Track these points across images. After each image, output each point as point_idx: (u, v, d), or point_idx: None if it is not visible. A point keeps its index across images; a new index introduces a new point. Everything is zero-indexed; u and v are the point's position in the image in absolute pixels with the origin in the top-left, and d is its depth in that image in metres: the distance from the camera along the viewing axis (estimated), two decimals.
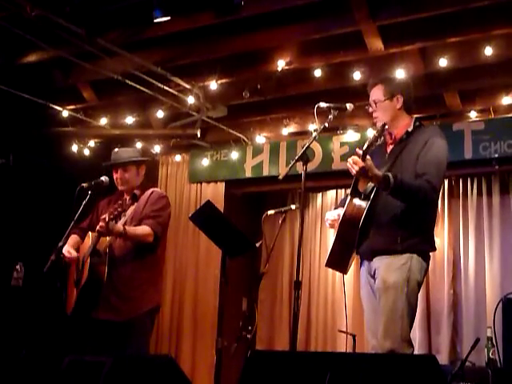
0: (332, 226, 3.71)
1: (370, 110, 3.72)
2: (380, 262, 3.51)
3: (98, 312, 4.29)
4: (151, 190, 4.57)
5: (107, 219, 4.08)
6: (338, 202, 7.09)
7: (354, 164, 3.33)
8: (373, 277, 3.56)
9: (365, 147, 3.35)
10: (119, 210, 4.11)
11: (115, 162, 4.56)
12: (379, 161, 3.55)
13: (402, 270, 3.43)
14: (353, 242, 3.50)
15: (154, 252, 4.40)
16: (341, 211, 3.66)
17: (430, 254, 3.61)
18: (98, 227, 4.15)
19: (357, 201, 3.51)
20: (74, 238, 4.58)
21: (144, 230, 4.31)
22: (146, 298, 4.36)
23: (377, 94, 3.70)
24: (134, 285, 4.32)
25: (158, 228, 4.35)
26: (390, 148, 3.68)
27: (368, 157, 3.35)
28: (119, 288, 4.30)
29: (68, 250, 4.43)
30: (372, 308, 3.58)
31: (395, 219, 3.47)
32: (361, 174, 3.36)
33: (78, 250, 4.55)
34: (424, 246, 3.55)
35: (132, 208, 4.44)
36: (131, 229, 4.29)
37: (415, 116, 3.77)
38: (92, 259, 4.32)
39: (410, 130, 3.65)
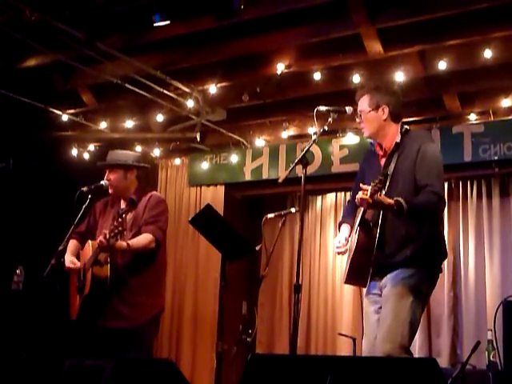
0: (342, 253, 3.74)
1: (357, 120, 3.74)
2: (389, 273, 3.53)
3: (106, 321, 4.28)
4: (149, 194, 4.53)
5: (108, 236, 4.04)
6: (338, 205, 7.21)
7: (363, 201, 3.32)
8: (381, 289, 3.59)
9: (369, 194, 3.30)
10: (120, 228, 4.05)
11: (103, 163, 4.56)
12: (375, 176, 3.51)
13: (410, 280, 3.45)
14: (368, 267, 3.53)
15: (155, 257, 4.40)
16: (346, 231, 3.71)
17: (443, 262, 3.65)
18: (98, 242, 4.12)
19: (367, 230, 3.54)
20: (73, 244, 4.57)
21: (146, 238, 4.29)
22: (151, 302, 4.37)
23: (362, 104, 3.69)
24: (139, 291, 4.32)
25: (158, 233, 4.34)
26: (383, 161, 3.67)
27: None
28: (124, 296, 4.29)
29: (71, 260, 4.43)
30: (375, 312, 3.59)
31: (402, 241, 3.49)
32: (374, 207, 3.38)
33: (78, 255, 4.55)
34: (433, 260, 3.57)
35: (131, 215, 4.42)
36: (134, 243, 4.25)
37: (407, 121, 3.76)
38: (94, 269, 4.31)
39: (398, 140, 3.63)
